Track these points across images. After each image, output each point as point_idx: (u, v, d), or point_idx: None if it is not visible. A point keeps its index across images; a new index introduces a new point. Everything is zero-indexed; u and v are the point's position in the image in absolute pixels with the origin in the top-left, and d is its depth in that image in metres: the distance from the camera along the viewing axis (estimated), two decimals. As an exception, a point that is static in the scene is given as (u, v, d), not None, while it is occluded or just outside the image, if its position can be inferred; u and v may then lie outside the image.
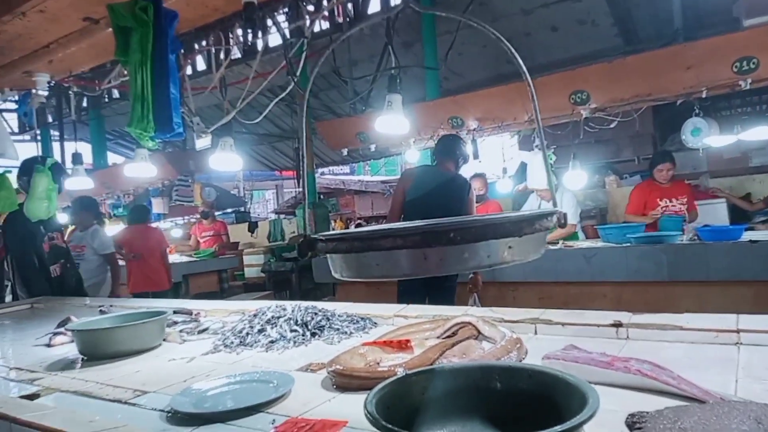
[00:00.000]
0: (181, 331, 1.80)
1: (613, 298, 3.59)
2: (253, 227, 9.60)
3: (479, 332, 1.42)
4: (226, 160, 2.89)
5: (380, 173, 17.01)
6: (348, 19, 6.85)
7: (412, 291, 2.95)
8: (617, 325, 1.31)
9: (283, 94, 3.13)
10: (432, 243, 0.66)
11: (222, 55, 3.12)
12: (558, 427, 0.59)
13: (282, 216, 12.16)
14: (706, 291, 3.33)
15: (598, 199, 6.38)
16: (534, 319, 1.45)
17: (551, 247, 4.04)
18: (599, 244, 3.96)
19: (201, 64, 7.27)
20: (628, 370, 0.97)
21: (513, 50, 0.91)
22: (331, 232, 0.78)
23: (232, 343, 1.56)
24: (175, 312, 2.01)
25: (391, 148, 5.90)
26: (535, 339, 1.40)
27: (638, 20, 6.86)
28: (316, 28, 7.01)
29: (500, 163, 6.57)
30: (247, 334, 1.59)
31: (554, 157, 5.40)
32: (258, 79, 3.65)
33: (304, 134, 1.01)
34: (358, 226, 10.26)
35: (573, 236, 4.47)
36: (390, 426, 0.65)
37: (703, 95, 3.81)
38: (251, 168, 13.98)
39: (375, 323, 1.67)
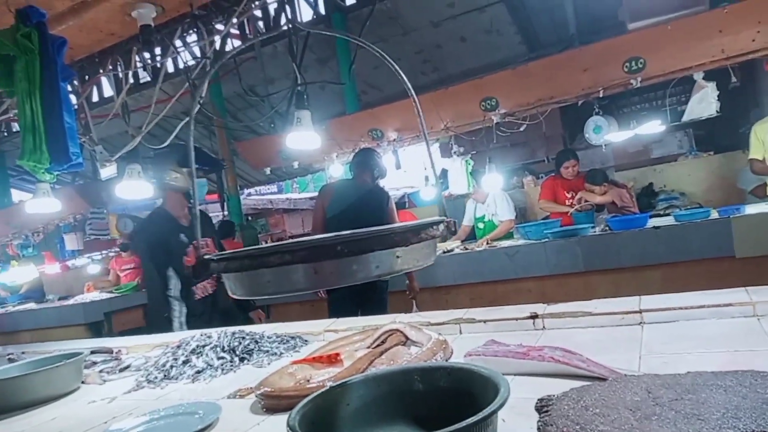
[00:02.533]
0: (100, 371, 1.71)
1: (537, 292, 3.77)
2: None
3: (407, 338, 1.44)
4: (134, 189, 2.75)
5: (308, 190, 16.86)
6: (259, 34, 6.79)
7: (343, 306, 2.95)
8: (534, 316, 1.38)
9: (187, 119, 3.03)
10: (321, 257, 0.68)
11: (125, 80, 3.00)
12: (471, 419, 0.62)
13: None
14: (619, 277, 3.56)
15: (517, 200, 6.68)
16: (458, 320, 1.49)
17: (477, 249, 4.18)
18: (520, 242, 4.14)
19: (109, 91, 6.95)
20: (542, 358, 1.03)
21: (397, 68, 0.96)
22: (223, 252, 0.78)
23: (155, 378, 1.50)
24: (93, 352, 1.90)
25: (314, 164, 5.89)
26: (460, 338, 1.44)
27: (539, 27, 7.29)
28: (229, 47, 6.89)
29: (422, 171, 6.71)
30: (171, 366, 1.53)
31: (472, 163, 5.61)
32: (167, 103, 3.53)
33: (192, 161, 1.00)
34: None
35: (510, 234, 4.65)
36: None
37: (600, 95, 4.10)
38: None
39: (306, 341, 1.66)
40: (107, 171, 2.99)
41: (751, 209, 3.52)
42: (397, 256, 0.72)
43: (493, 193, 4.81)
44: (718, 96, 4.15)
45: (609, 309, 1.34)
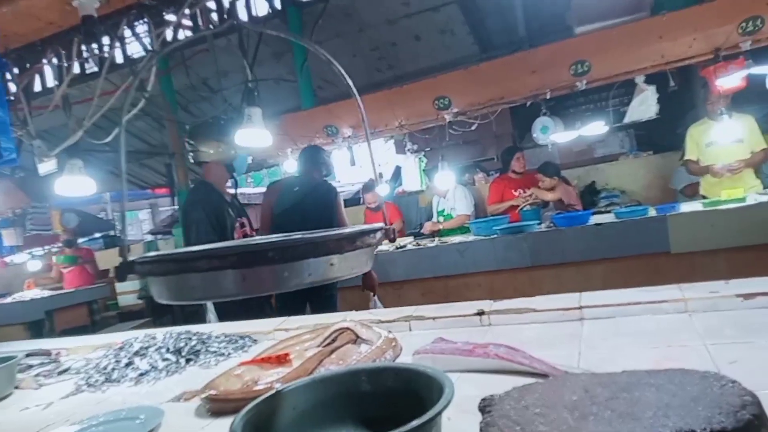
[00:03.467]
0: (36, 375, 1.63)
1: (486, 287, 3.85)
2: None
3: (358, 336, 1.45)
4: (75, 184, 2.58)
5: (263, 184, 16.58)
6: (212, 26, 6.60)
7: (291, 304, 2.92)
8: (480, 313, 1.41)
9: (135, 110, 2.93)
10: (250, 263, 0.67)
11: (67, 71, 2.84)
12: (414, 423, 0.62)
13: (158, 237, 11.37)
14: (563, 272, 3.69)
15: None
16: (408, 317, 1.51)
17: (429, 244, 4.24)
18: (470, 238, 4.22)
19: (52, 82, 6.58)
20: (487, 355, 1.05)
21: (341, 69, 0.95)
22: (149, 254, 0.76)
23: (96, 381, 1.44)
24: (28, 355, 1.81)
25: (268, 159, 5.79)
26: (410, 335, 1.46)
27: (491, 29, 7.41)
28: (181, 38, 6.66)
29: (377, 168, 6.73)
30: (113, 369, 1.47)
31: (425, 160, 5.67)
32: (114, 95, 3.38)
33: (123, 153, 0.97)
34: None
35: (465, 229, 4.74)
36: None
37: (548, 96, 4.23)
38: (118, 189, 12.91)
39: (255, 340, 1.64)
40: (46, 166, 2.81)
41: (685, 207, 3.72)
42: (331, 264, 0.72)
43: (453, 188, 4.95)
44: (657, 99, 4.35)
45: (551, 306, 1.38)
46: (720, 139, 4.19)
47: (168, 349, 1.51)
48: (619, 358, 1.02)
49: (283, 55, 7.11)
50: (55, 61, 2.93)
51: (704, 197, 4.28)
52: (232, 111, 6.70)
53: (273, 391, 0.82)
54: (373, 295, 3.44)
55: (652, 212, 3.72)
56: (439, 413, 0.65)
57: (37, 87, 7.51)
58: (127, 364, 1.48)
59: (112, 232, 12.68)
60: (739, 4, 3.64)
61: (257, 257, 0.66)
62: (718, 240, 3.28)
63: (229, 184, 2.85)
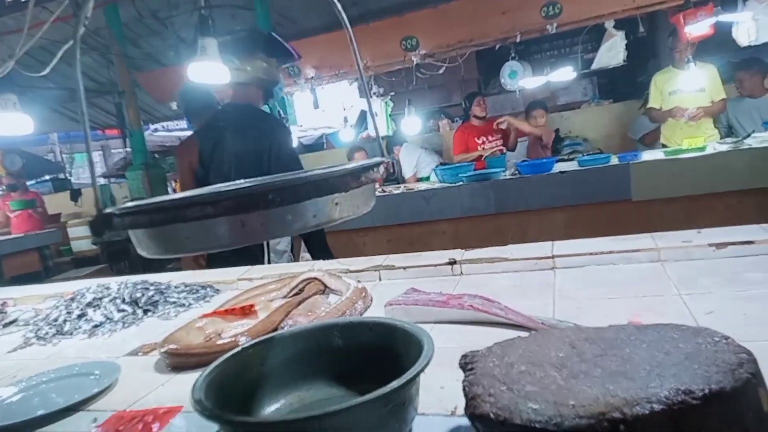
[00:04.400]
0: (-21, 327, 1.53)
1: (451, 234, 3.86)
2: (75, 195, 8.51)
3: (326, 286, 1.40)
4: (9, 122, 2.28)
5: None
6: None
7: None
8: (452, 262, 1.38)
9: (70, 43, 2.66)
10: (249, 208, 0.58)
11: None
12: (395, 383, 0.58)
13: (111, 180, 10.94)
14: (527, 219, 3.73)
15: (434, 143, 6.74)
16: (377, 266, 1.46)
17: (395, 191, 4.19)
18: (436, 185, 4.19)
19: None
20: (462, 306, 1.02)
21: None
22: (128, 204, 0.66)
23: (46, 334, 1.36)
24: (-30, 306, 1.69)
25: (225, 98, 5.52)
26: (380, 285, 1.42)
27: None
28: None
29: (341, 112, 6.53)
30: (65, 321, 1.38)
31: (392, 104, 5.54)
32: (56, 24, 3.08)
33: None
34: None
35: (424, 178, 4.71)
36: (222, 415, 0.59)
37: (517, 39, 4.13)
38: (66, 129, 12.22)
39: (217, 290, 1.57)
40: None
41: (647, 156, 3.77)
42: (336, 203, 0.64)
43: (405, 147, 4.88)
44: (624, 46, 4.32)
45: (523, 255, 1.36)
46: (684, 87, 4.22)
47: (124, 300, 1.43)
48: (595, 309, 1.01)
49: (240, -14, 6.67)
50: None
51: (664, 146, 4.35)
52: (185, 47, 6.31)
53: (238, 349, 0.76)
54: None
55: (614, 160, 3.76)
56: (420, 372, 0.61)
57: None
58: (80, 316, 1.39)
59: (61, 175, 12.12)
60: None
61: (256, 201, 0.58)
62: (678, 188, 3.35)
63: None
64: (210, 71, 2.20)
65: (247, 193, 0.59)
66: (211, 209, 0.57)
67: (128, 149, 6.75)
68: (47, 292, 1.84)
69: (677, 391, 0.48)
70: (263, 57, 2.39)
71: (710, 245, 1.17)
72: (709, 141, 3.92)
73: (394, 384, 0.58)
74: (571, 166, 3.97)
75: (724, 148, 3.51)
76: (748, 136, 3.68)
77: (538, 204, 3.71)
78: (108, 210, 0.63)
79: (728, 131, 4.47)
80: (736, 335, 0.58)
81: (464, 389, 0.60)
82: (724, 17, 3.81)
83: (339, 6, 0.86)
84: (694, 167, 3.35)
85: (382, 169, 0.72)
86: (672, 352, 0.55)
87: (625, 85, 7.22)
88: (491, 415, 0.52)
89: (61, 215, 7.20)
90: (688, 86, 4.19)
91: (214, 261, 2.27)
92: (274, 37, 2.46)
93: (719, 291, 0.99)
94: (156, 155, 11.09)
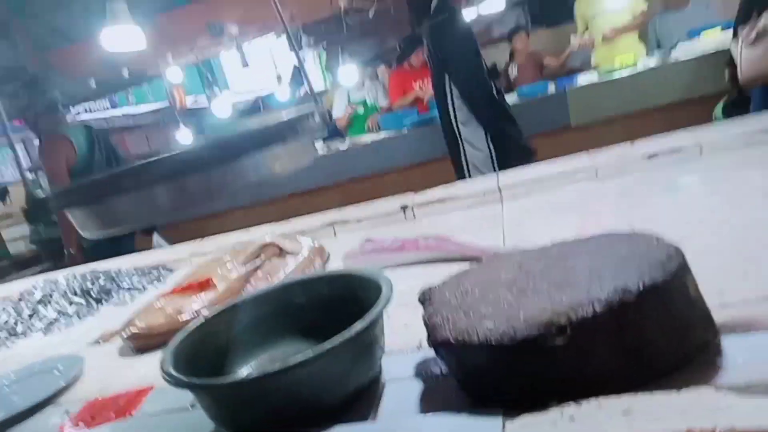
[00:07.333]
0: None
1: (403, 182, 3.87)
2: (2, 194, 8.01)
3: (282, 249, 1.39)
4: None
5: (148, 101, 15.16)
6: None
7: None
8: (404, 208, 1.40)
9: None
10: (187, 171, 0.57)
11: None
12: (358, 325, 0.60)
13: (39, 173, 10.33)
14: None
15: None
16: (331, 222, 1.47)
17: (341, 147, 4.15)
18: (382, 135, 4.17)
19: None
20: (418, 248, 1.05)
21: None
22: (62, 188, 0.64)
23: (-1, 338, 1.31)
24: None
25: (147, 70, 5.24)
26: (336, 241, 1.43)
27: None
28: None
29: (273, 70, 6.31)
30: (16, 322, 1.34)
31: (325, 55, 5.40)
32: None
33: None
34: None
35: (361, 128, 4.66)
36: (193, 381, 0.60)
37: (445, -25, 4.04)
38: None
39: (170, 270, 1.54)
40: None
41: (582, 80, 3.85)
42: (275, 158, 0.63)
43: (367, 80, 4.86)
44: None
45: (470, 191, 1.39)
46: (605, 8, 4.30)
47: (75, 292, 1.39)
48: (543, 233, 1.05)
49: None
50: None
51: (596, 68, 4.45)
52: (94, 17, 5.89)
53: (201, 319, 0.76)
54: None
55: (551, 88, 3.82)
56: (380, 313, 0.63)
57: None
58: (31, 315, 1.35)
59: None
60: None
61: (192, 165, 0.57)
62: (615, 108, 3.46)
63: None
64: (124, 36, 2.05)
65: (185, 157, 0.58)
66: (147, 177, 0.55)
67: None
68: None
69: (615, 290, 0.51)
70: None
71: (642, 156, 1.23)
72: (637, 58, 4.04)
73: (358, 326, 0.60)
74: (510, 98, 4.01)
75: (652, 63, 3.63)
76: (673, 47, 3.80)
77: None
78: (41, 194, 0.61)
79: (657, 45, 4.60)
80: (668, 235, 0.62)
81: (425, 322, 0.63)
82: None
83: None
84: (626, 86, 3.46)
85: (317, 118, 0.72)
86: (609, 257, 0.59)
87: (558, 8, 7.25)
88: (451, 340, 0.54)
89: (-12, 216, 6.78)
90: (608, 6, 4.27)
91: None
92: None
93: (654, 198, 1.05)
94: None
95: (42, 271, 4.94)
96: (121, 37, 2.00)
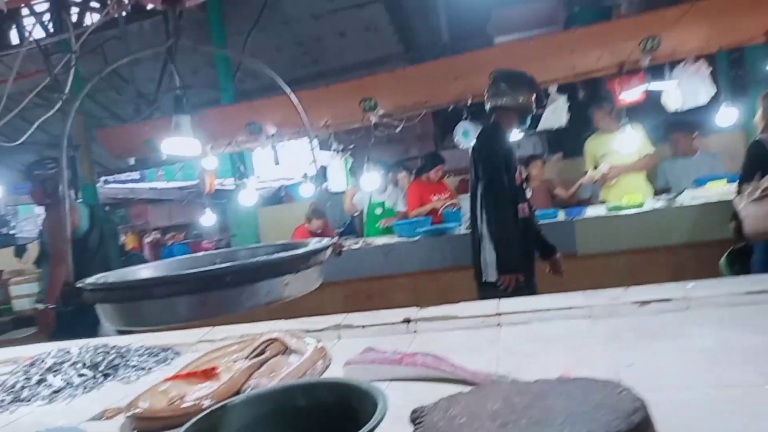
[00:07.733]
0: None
1: (409, 288, 3.95)
2: (20, 251, 8.17)
3: (287, 347, 1.45)
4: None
5: (176, 178, 15.83)
6: (125, 14, 6.24)
7: None
8: (407, 321, 1.47)
9: (51, 112, 2.73)
10: (210, 288, 0.68)
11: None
12: (353, 439, 0.66)
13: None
14: (482, 272, 3.86)
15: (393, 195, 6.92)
16: (337, 326, 1.54)
17: (354, 246, 4.28)
18: (394, 239, 4.31)
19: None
20: (415, 364, 1.11)
21: (283, 83, 0.97)
22: (99, 281, 0.74)
23: (2, 401, 1.35)
24: None
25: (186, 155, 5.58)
26: (340, 344, 1.49)
27: (415, 29, 7.58)
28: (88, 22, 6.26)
29: (301, 167, 6.68)
30: (23, 387, 1.38)
31: (351, 160, 5.71)
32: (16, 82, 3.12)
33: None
34: (153, 240, 9.50)
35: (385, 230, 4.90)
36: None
37: (469, 102, 4.40)
38: (15, 181, 11.86)
39: (177, 353, 1.60)
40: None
41: (591, 212, 4.02)
42: (286, 284, 0.74)
43: (391, 185, 5.18)
44: (568, 108, 4.66)
45: (472, 312, 1.47)
46: (613, 149, 4.58)
47: (84, 364, 1.45)
48: (533, 363, 1.11)
49: (201, 43, 6.86)
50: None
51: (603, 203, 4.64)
52: (145, 103, 6.37)
53: (207, 411, 0.82)
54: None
55: (561, 216, 3.98)
56: (374, 428, 0.69)
57: None
58: (39, 381, 1.39)
59: (4, 230, 11.64)
60: (640, 24, 3.99)
61: (215, 282, 0.67)
62: (620, 242, 3.58)
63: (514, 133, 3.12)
64: (182, 146, 2.27)
65: (209, 275, 0.68)
66: (175, 288, 0.66)
67: (80, 200, 6.62)
68: (2, 358, 1.81)
69: (585, 437, 0.58)
70: (532, 91, 3.10)
71: (634, 303, 1.31)
72: (644, 197, 4.22)
73: (353, 440, 0.66)
74: (521, 220, 4.17)
75: (659, 204, 3.80)
76: (681, 193, 3.99)
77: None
78: (78, 284, 0.70)
79: (665, 188, 4.81)
80: (646, 385, 0.69)
81: (413, 442, 0.69)
82: (654, 86, 4.20)
83: (281, 80, 0.98)
84: (633, 223, 3.61)
85: (329, 252, 0.83)
86: (584, 402, 0.66)
87: (572, 141, 7.68)
88: (434, 463, 0.60)
89: (3, 272, 6.88)
90: (617, 148, 4.55)
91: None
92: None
93: (639, 345, 1.12)
94: (107, 207, 10.88)
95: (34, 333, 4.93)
96: (180, 146, 2.22)
